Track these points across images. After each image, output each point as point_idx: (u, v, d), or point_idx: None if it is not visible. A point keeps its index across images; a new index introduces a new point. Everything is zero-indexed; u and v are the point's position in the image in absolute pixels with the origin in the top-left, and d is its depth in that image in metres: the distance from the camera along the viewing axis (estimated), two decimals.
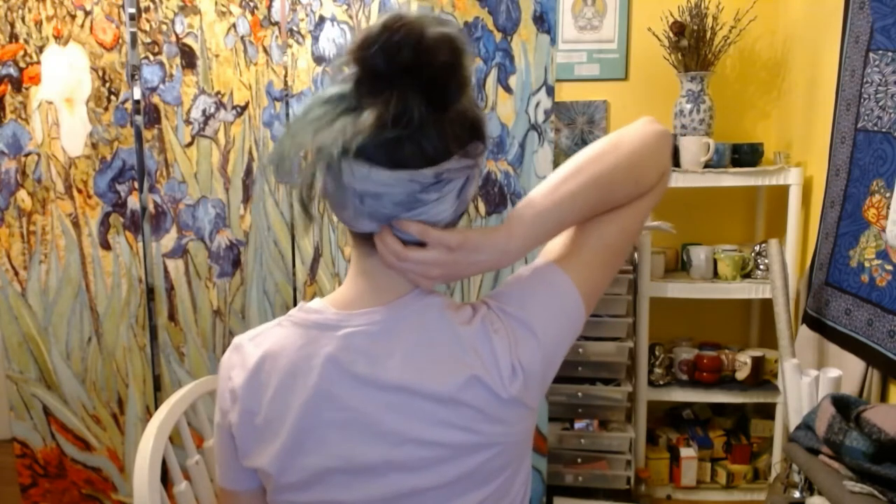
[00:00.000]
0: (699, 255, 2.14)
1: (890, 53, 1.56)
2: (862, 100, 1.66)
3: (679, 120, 2.13)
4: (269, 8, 1.69)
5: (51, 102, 1.67)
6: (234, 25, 1.68)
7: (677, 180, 2.03)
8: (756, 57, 2.32)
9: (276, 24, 1.70)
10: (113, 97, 1.68)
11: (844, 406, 1.29)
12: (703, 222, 2.37)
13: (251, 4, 1.68)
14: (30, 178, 1.69)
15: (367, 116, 0.60)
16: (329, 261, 1.75)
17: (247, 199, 1.74)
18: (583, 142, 2.39)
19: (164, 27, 1.66)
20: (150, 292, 1.74)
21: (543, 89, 1.70)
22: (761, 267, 2.12)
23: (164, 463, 0.94)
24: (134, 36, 1.65)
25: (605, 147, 0.70)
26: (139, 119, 1.68)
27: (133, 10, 1.64)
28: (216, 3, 1.67)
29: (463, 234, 0.66)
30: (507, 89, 1.70)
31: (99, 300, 1.74)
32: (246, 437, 0.70)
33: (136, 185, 1.70)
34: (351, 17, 1.68)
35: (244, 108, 1.71)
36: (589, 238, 0.71)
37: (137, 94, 1.67)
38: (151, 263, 1.73)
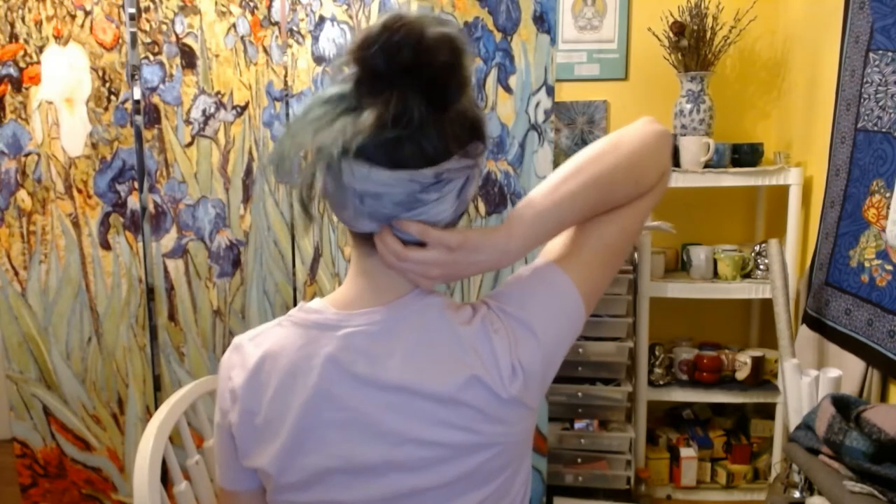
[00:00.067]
0: (699, 255, 2.14)
1: (890, 53, 1.56)
2: (862, 100, 1.66)
3: (679, 120, 2.13)
4: (269, 8, 1.69)
5: (51, 102, 1.67)
6: (234, 25, 1.68)
7: (677, 180, 2.03)
8: (756, 57, 2.32)
9: (276, 24, 1.70)
10: (113, 97, 1.68)
11: (844, 406, 1.29)
12: (703, 222, 2.37)
13: (251, 4, 1.68)
14: (30, 178, 1.69)
15: (367, 116, 0.60)
16: (329, 261, 1.75)
17: (247, 199, 1.74)
18: (583, 142, 2.39)
19: (164, 27, 1.67)
20: (150, 292, 1.74)
21: (543, 89, 1.70)
22: (761, 267, 2.12)
23: (164, 463, 0.94)
24: (134, 36, 1.65)
25: (605, 147, 0.70)
26: (139, 119, 1.68)
27: (133, 10, 1.64)
28: (216, 3, 1.67)
29: (463, 234, 0.66)
30: (507, 89, 1.70)
31: (99, 300, 1.74)
32: (246, 437, 0.70)
33: (136, 185, 1.70)
34: (351, 17, 1.68)
35: (244, 108, 1.71)
36: (589, 238, 0.71)
37: (137, 94, 1.67)
38: (151, 263, 1.73)
